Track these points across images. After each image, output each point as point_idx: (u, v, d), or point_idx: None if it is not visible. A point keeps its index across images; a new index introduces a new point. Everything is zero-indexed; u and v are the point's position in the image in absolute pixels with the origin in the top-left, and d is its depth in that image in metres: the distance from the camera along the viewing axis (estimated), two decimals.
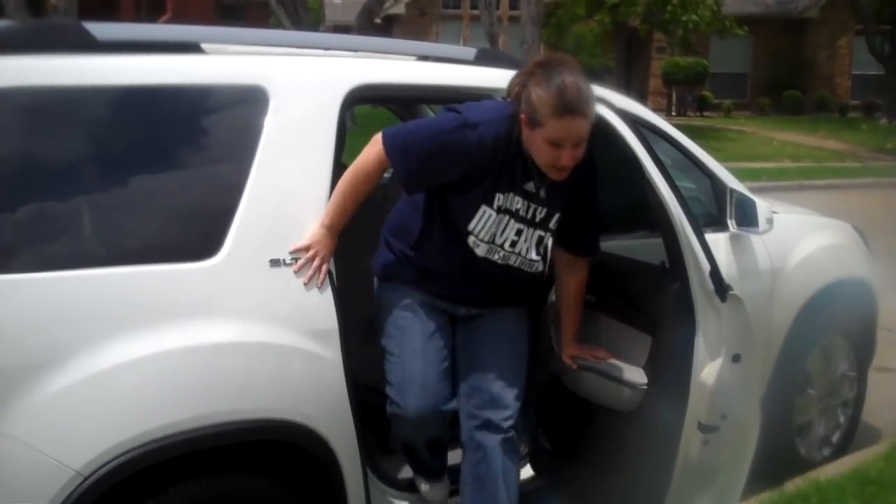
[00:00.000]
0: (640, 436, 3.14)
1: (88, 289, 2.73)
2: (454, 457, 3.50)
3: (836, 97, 31.26)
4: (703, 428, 3.03)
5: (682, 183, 4.45)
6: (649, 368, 3.14)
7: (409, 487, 3.53)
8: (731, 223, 4.12)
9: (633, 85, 29.66)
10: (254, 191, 3.02)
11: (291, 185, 3.12)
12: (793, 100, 30.23)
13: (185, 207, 3.01)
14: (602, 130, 3.13)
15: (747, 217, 4.10)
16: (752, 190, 4.34)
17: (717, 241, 4.13)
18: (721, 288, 3.00)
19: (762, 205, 4.14)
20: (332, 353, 3.09)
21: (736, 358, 3.04)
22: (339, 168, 4.46)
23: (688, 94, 29.53)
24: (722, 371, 3.02)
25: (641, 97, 29.50)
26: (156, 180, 3.01)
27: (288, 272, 3.04)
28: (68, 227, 2.83)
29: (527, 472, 3.76)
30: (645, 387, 3.13)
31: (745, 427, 3.09)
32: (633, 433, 3.16)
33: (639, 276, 3.36)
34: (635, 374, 3.17)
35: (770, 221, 4.13)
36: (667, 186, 3.05)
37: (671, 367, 3.09)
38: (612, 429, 3.28)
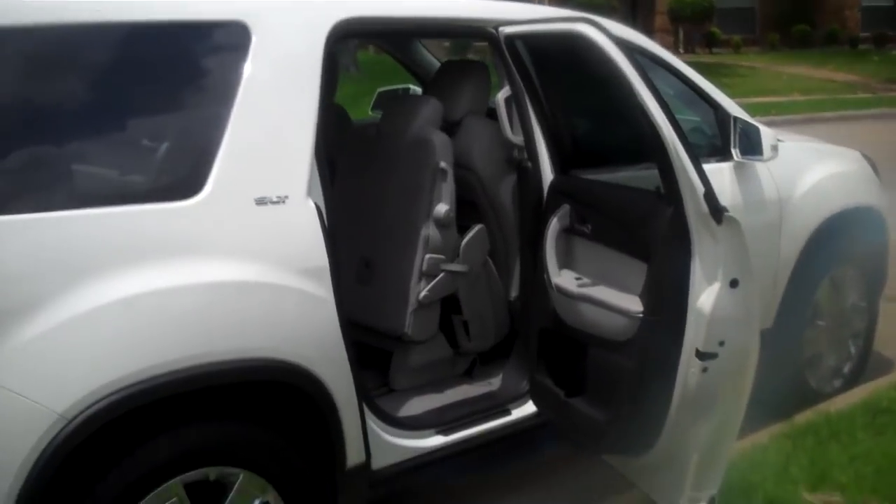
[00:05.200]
0: (638, 365, 3.06)
1: (71, 230, 2.63)
2: None
3: (846, 30, 30.78)
4: (701, 355, 2.94)
5: (685, 115, 4.36)
6: (645, 296, 3.05)
7: (410, 426, 3.46)
8: (735, 152, 4.03)
9: (639, 22, 29.21)
10: (236, 129, 2.91)
11: (276, 123, 3.01)
12: (802, 34, 29.78)
13: (167, 146, 2.92)
14: (593, 55, 3.01)
15: (752, 145, 4.00)
16: (764, 124, 4.22)
17: (722, 170, 4.05)
18: (716, 210, 2.89)
19: (767, 132, 4.03)
20: (324, 292, 3.01)
21: (733, 283, 2.94)
22: (328, 106, 4.37)
23: (695, 31, 29.08)
24: (719, 297, 2.92)
25: (648, 35, 29.15)
26: (137, 119, 2.92)
27: (275, 210, 2.94)
28: (48, 167, 2.74)
29: (528, 408, 3.69)
30: (640, 315, 3.04)
31: (745, 354, 3.00)
32: (630, 363, 3.08)
33: (633, 203, 3.26)
34: (631, 302, 3.08)
35: (775, 149, 4.02)
36: (660, 110, 2.92)
37: (667, 294, 3.00)
38: (609, 360, 3.20)
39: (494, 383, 3.96)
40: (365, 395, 3.25)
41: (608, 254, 3.30)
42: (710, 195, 2.91)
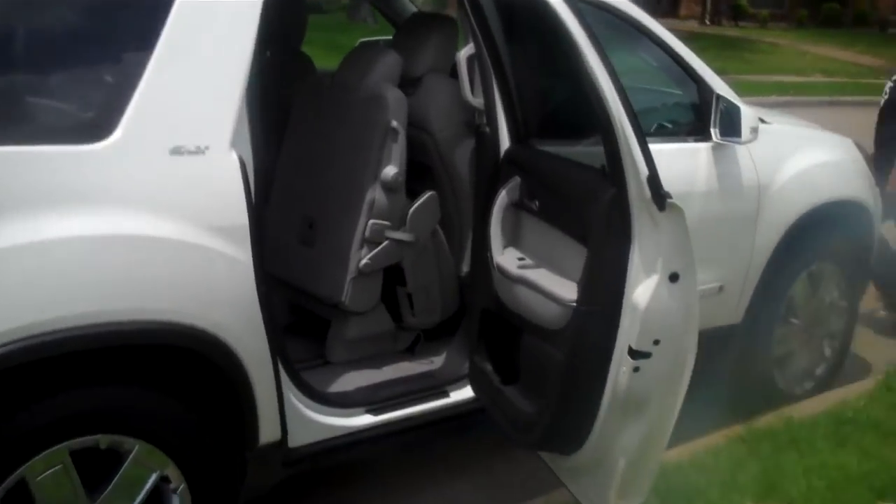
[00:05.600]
0: (568, 358, 2.82)
1: None
2: None
3: (877, 11, 30.18)
4: (633, 353, 2.70)
5: (668, 89, 4.09)
6: (581, 284, 2.80)
7: (337, 403, 3.24)
8: (714, 132, 3.78)
9: None
10: (157, 71, 2.66)
11: (202, 67, 2.76)
12: (832, 13, 29.23)
13: (76, 85, 2.68)
14: (543, 13, 2.75)
15: (731, 126, 3.73)
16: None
17: (699, 151, 3.79)
18: (659, 195, 2.64)
19: (747, 112, 3.75)
20: (240, 253, 2.77)
21: (673, 277, 2.69)
22: (291, 54, 4.10)
23: (723, 2, 28.54)
24: (657, 291, 2.67)
25: (673, 4, 28.66)
26: (45, 54, 2.68)
27: (192, 161, 2.70)
28: None
29: (468, 391, 3.47)
30: (573, 304, 2.79)
31: (681, 356, 2.75)
32: (559, 354, 2.85)
33: (577, 181, 2.99)
34: (567, 289, 2.83)
35: (755, 131, 3.75)
36: (608, 80, 2.66)
37: (601, 283, 2.75)
38: (542, 350, 2.97)
39: (436, 362, 3.73)
40: (288, 367, 3.04)
41: (553, 234, 3.05)
42: (653, 178, 2.65)
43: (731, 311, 4.01)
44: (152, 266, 2.62)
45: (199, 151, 2.71)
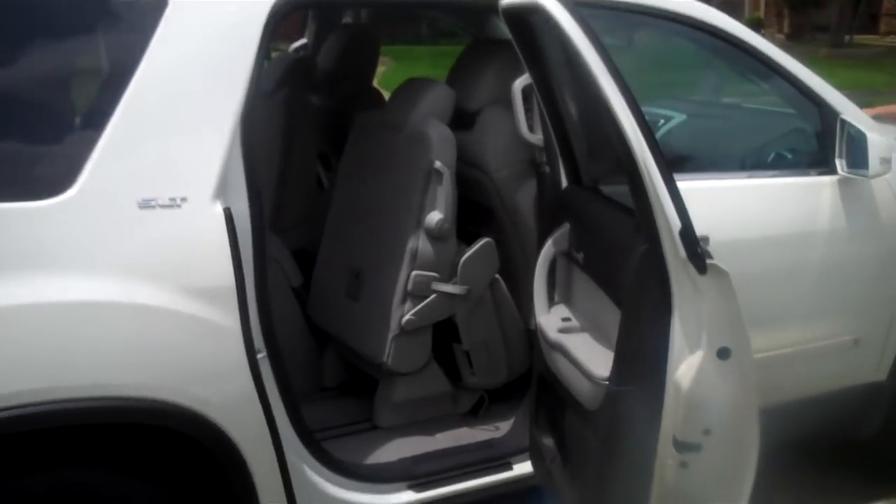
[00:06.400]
0: (603, 446, 2.35)
1: None
2: None
3: None
4: (679, 446, 2.20)
5: (784, 110, 3.54)
6: (615, 359, 2.32)
7: (369, 477, 2.87)
8: (839, 163, 3.20)
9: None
10: (127, 115, 2.38)
11: (182, 110, 2.47)
12: None
13: (32, 132, 2.41)
14: (556, 36, 2.31)
15: (860, 155, 3.14)
16: None
17: (822, 186, 3.22)
18: (695, 255, 2.14)
19: (876, 140, 3.15)
20: (226, 318, 2.45)
21: (723, 353, 2.18)
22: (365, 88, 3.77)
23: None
24: (703, 369, 2.17)
25: (872, 20, 26.75)
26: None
27: (165, 215, 2.39)
28: None
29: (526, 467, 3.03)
30: (605, 382, 2.32)
31: (739, 449, 2.23)
32: (595, 441, 2.38)
33: (614, 231, 2.52)
34: (601, 363, 2.36)
35: (887, 162, 3.14)
36: (627, 110, 2.19)
37: (637, 359, 2.28)
38: (581, 431, 2.52)
39: (502, 428, 3.29)
40: (306, 438, 2.71)
41: (598, 292, 2.58)
42: (687, 234, 2.16)
43: (872, 368, 3.41)
44: (115, 335, 2.34)
45: (173, 204, 2.41)
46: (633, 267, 2.26)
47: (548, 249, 2.79)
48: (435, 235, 3.12)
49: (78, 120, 2.43)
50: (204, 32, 2.52)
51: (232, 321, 2.46)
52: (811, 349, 3.24)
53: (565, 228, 2.79)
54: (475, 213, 3.34)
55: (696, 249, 2.14)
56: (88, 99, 2.45)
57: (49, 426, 2.29)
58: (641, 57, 4.30)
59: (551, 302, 2.84)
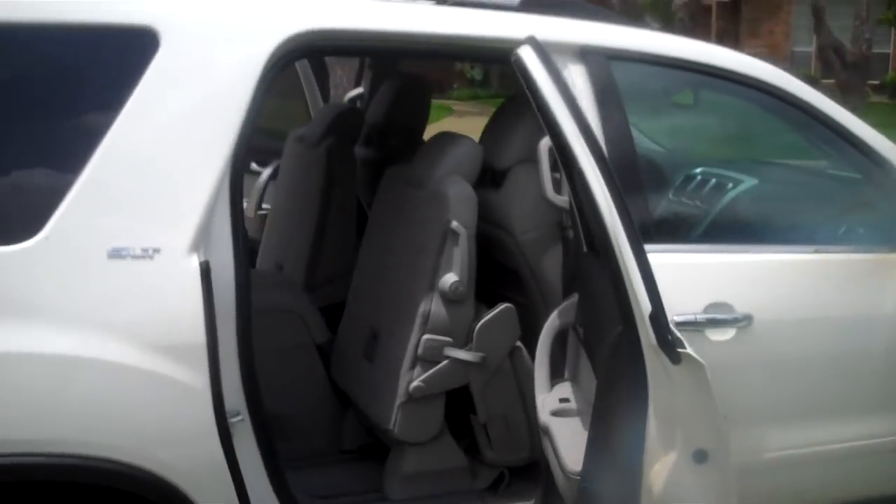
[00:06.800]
0: None
1: None
2: None
3: None
4: None
5: (843, 172, 3.26)
6: (586, 451, 2.08)
7: None
8: None
9: None
10: (104, 160, 2.30)
11: (165, 156, 2.36)
12: None
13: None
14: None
15: None
16: None
17: (890, 264, 2.91)
18: (665, 343, 1.90)
19: None
20: (194, 378, 2.32)
21: (699, 456, 1.92)
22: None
23: None
24: (677, 472, 1.92)
25: None
26: None
27: (135, 266, 2.28)
28: None
29: None
30: (576, 476, 2.08)
31: None
32: None
33: (606, 306, 2.28)
34: (578, 455, 2.13)
35: None
36: (597, 175, 1.97)
37: (609, 454, 2.03)
38: None
39: None
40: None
41: (590, 370, 2.35)
42: (657, 318, 1.92)
43: None
44: (70, 391, 2.23)
45: (145, 255, 2.30)
46: (608, 350, 2.03)
47: (552, 322, 2.59)
48: (449, 298, 2.93)
49: (53, 162, 2.33)
50: (195, 79, 2.42)
51: (201, 382, 2.32)
52: (873, 445, 2.94)
53: (574, 299, 2.57)
54: (501, 275, 3.15)
55: (666, 336, 1.90)
56: (66, 140, 2.35)
57: None
58: (708, 115, 4.07)
59: (557, 378, 2.61)
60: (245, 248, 2.45)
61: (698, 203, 3.42)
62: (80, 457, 2.23)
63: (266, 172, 4.73)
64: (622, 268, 1.96)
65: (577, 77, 2.62)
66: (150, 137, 2.35)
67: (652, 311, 1.92)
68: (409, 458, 3.09)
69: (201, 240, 2.35)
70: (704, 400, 1.92)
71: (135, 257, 2.29)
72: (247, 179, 4.88)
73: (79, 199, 2.26)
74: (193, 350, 2.31)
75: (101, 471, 2.25)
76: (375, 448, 3.36)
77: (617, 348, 2.01)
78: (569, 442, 2.24)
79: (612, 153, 2.68)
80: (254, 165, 4.85)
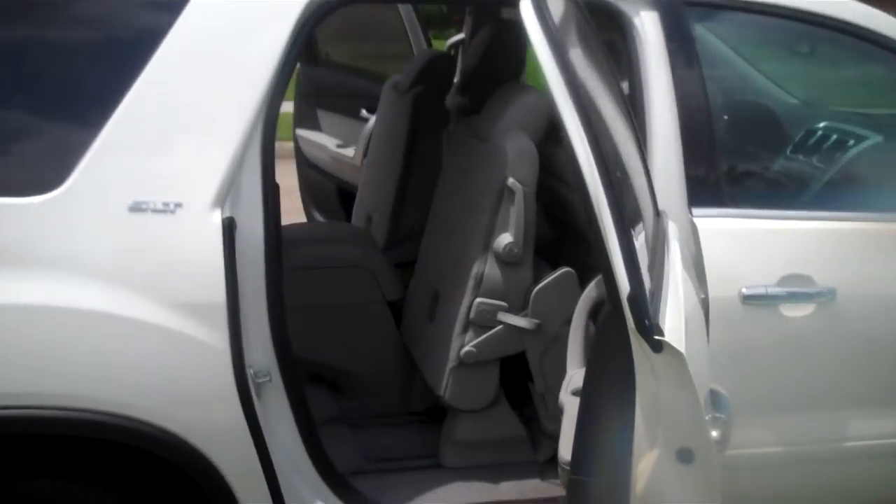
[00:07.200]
0: None
1: None
2: None
3: None
4: None
5: None
6: (574, 441, 1.92)
7: None
8: None
9: None
10: (130, 112, 2.24)
11: (187, 113, 2.29)
12: None
13: (23, 126, 2.30)
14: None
15: None
16: None
17: None
18: (643, 329, 1.70)
19: None
20: (213, 338, 2.25)
21: (684, 455, 1.72)
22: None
23: None
24: (660, 470, 1.73)
25: None
26: None
27: (156, 221, 2.23)
28: None
29: None
30: (567, 467, 1.92)
31: None
32: None
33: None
34: (566, 443, 1.97)
35: None
36: (585, 143, 1.77)
37: (595, 446, 1.85)
38: None
39: None
40: (327, 472, 2.48)
41: None
42: (637, 302, 1.71)
43: None
44: (84, 345, 2.20)
45: (166, 209, 2.25)
46: (597, 331, 1.85)
47: (588, 293, 2.41)
48: (504, 260, 2.78)
49: (76, 114, 2.30)
50: (223, 32, 2.34)
51: (219, 342, 2.25)
52: None
53: None
54: (566, 235, 2.97)
55: (643, 321, 1.70)
56: (90, 93, 2.30)
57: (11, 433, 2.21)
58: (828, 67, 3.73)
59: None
60: (276, 204, 2.37)
61: (814, 161, 3.14)
62: (93, 411, 2.20)
63: (373, 119, 4.63)
64: (605, 238, 1.78)
65: (649, 24, 2.45)
66: (174, 93, 2.28)
67: (630, 291, 1.73)
68: (463, 425, 2.98)
69: (226, 195, 2.28)
70: (686, 394, 1.72)
71: (155, 211, 2.24)
72: (355, 126, 4.85)
73: (102, 152, 2.22)
74: (212, 309, 2.24)
75: (115, 427, 2.22)
76: (444, 412, 3.27)
77: (606, 329, 1.83)
78: (570, 427, 2.08)
79: (682, 110, 2.49)
80: (364, 112, 4.77)
